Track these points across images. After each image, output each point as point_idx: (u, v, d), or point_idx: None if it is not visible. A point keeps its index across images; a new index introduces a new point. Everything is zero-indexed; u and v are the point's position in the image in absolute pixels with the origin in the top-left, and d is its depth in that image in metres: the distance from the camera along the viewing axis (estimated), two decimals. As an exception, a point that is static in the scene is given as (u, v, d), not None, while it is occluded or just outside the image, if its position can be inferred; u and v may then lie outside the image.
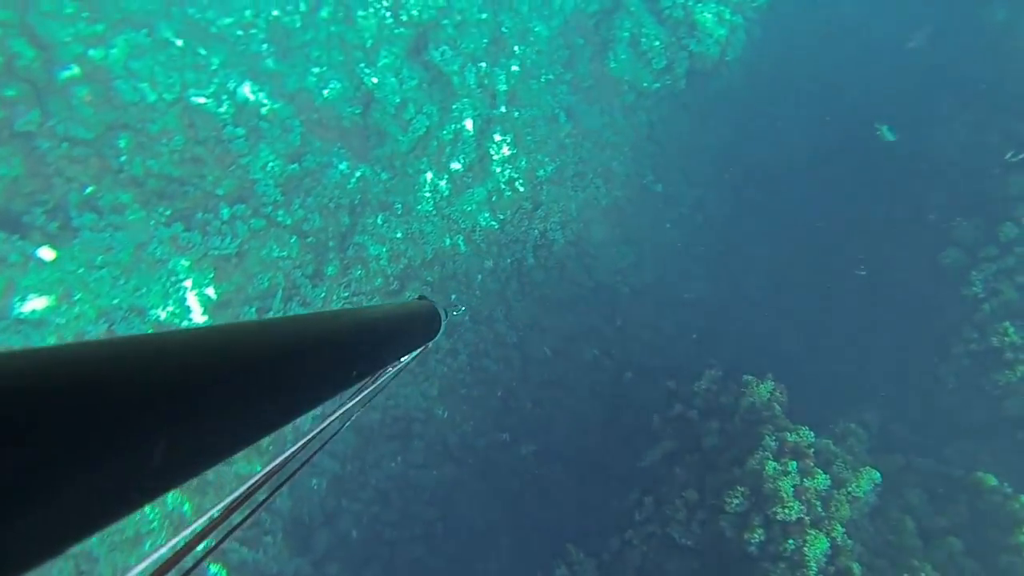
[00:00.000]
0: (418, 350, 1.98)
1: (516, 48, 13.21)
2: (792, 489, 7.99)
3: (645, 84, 14.75)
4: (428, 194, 12.34)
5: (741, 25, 14.21)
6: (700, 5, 13.62)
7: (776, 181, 14.55)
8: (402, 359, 1.82)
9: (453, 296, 12.24)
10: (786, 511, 7.83)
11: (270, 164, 11.02)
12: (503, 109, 12.85)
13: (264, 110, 11.16)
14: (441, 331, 2.24)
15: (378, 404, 11.96)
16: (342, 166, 11.77)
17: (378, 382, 1.61)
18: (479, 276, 12.61)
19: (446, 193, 12.55)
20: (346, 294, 11.51)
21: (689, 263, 14.54)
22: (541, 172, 13.51)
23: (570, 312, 13.32)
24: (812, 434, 8.80)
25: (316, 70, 11.57)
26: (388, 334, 1.67)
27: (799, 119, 14.50)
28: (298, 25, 11.43)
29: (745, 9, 14.27)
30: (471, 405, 12.33)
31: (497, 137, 12.95)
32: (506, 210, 13.13)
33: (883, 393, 11.66)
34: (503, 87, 12.88)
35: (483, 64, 12.49)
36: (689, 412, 10.49)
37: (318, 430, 1.37)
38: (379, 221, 11.91)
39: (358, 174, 11.93)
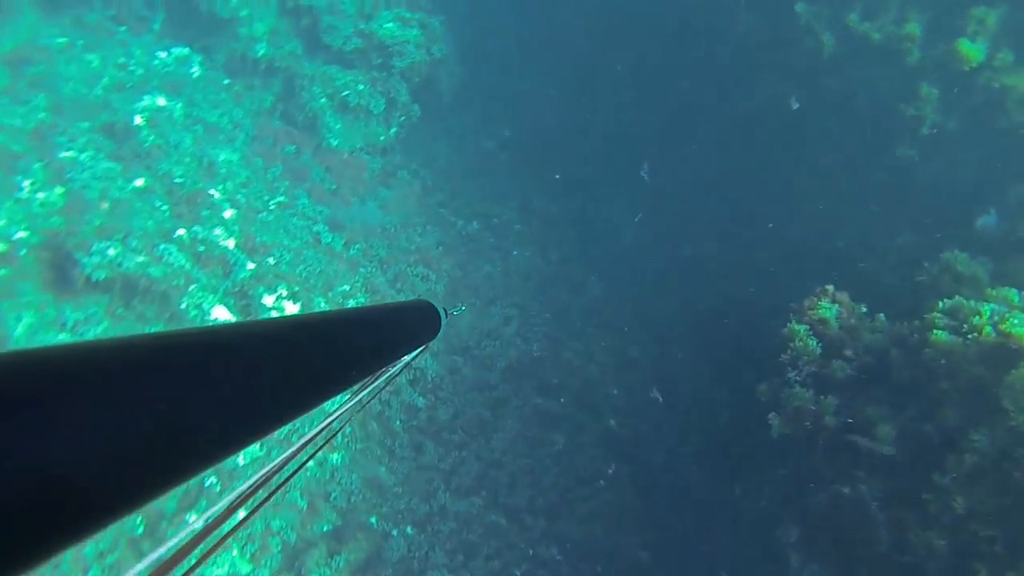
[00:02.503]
0: (418, 350, 1.93)
1: (213, 192, 9.71)
2: None
3: (382, 138, 12.14)
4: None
5: (427, 11, 12.17)
6: (374, 23, 11.27)
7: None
8: (402, 359, 1.77)
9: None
10: None
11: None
12: (250, 266, 9.25)
13: None
14: (442, 331, 2.21)
15: None
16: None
17: (378, 382, 1.57)
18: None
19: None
20: None
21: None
22: (349, 299, 10.17)
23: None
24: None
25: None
26: (388, 334, 1.65)
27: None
28: None
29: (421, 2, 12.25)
30: None
31: (269, 299, 9.32)
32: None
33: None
34: (229, 243, 9.30)
35: (180, 234, 8.77)
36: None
37: (318, 430, 1.31)
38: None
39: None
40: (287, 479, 1.24)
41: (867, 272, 8.68)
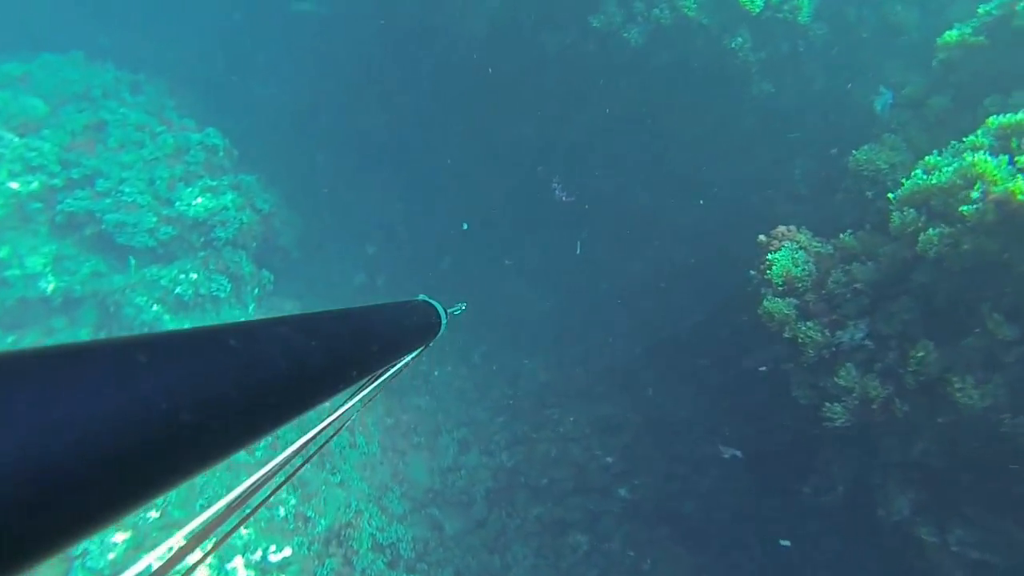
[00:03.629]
0: (418, 350, 1.93)
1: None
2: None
3: (243, 320, 10.54)
4: None
5: (232, 171, 11.03)
6: (178, 204, 9.87)
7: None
8: (402, 359, 1.77)
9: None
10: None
11: None
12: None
13: None
14: (442, 330, 2.18)
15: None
16: None
17: (378, 382, 1.56)
18: None
19: None
20: None
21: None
22: (321, 523, 8.16)
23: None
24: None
25: None
26: (388, 333, 1.63)
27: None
28: None
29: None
30: None
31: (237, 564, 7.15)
32: None
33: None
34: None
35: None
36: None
37: (317, 430, 1.31)
38: None
39: None
40: (287, 479, 1.24)
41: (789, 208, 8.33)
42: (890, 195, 5.48)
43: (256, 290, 10.97)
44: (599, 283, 13.07)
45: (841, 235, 5.91)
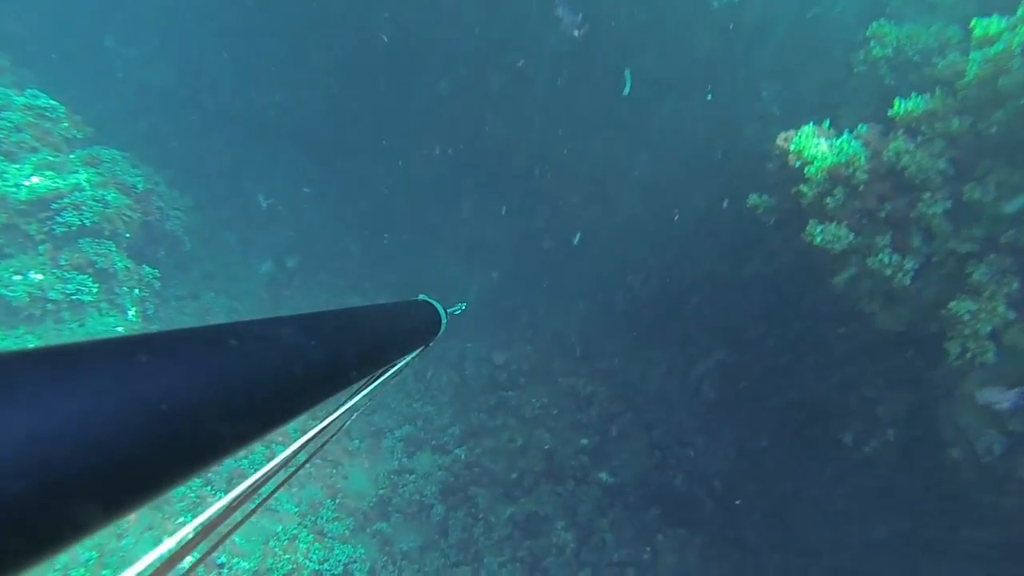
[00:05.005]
0: (418, 349, 1.88)
1: None
2: None
3: (120, 328, 8.62)
4: None
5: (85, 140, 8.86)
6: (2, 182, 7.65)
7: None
8: (402, 359, 1.74)
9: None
10: None
11: None
12: None
13: None
14: (442, 330, 2.15)
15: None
16: None
17: (377, 382, 1.55)
18: None
19: None
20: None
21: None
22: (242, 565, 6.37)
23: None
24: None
25: None
26: (388, 333, 1.63)
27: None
28: None
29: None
30: None
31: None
32: None
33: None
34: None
35: None
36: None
37: (317, 430, 1.28)
38: None
39: None
40: (287, 479, 1.22)
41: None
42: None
43: (136, 290, 8.90)
44: (539, 244, 11.80)
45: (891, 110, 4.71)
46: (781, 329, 6.51)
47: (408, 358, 1.79)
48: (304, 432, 1.22)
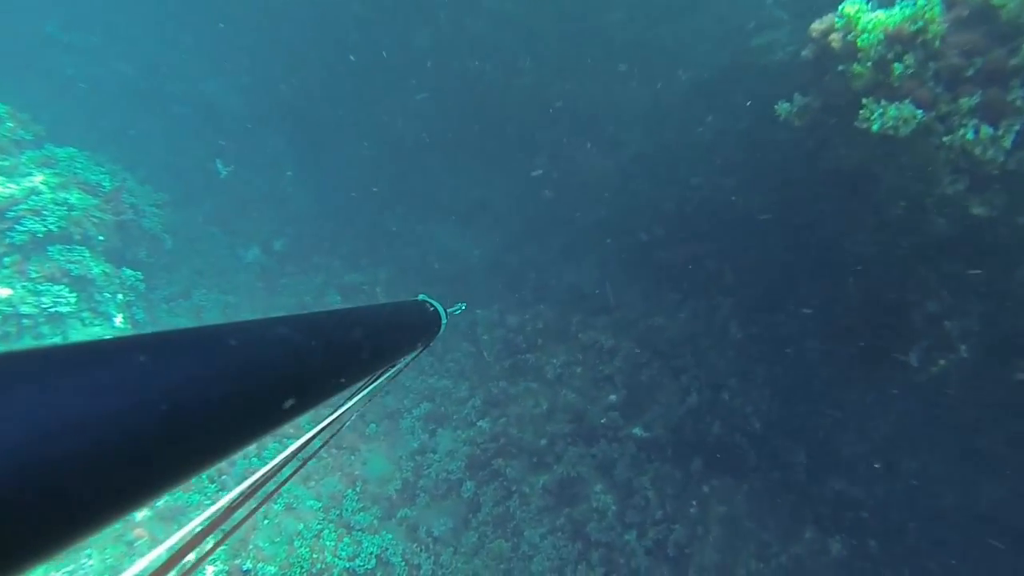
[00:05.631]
0: (418, 350, 1.88)
1: None
2: None
3: (108, 337, 8.03)
4: None
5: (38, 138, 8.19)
6: None
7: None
8: (402, 358, 1.73)
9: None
10: None
11: None
12: None
13: None
14: (442, 330, 2.14)
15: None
16: None
17: (377, 382, 1.53)
18: None
19: None
20: None
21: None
22: (268, 570, 6.04)
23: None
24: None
25: None
26: (388, 334, 1.61)
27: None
28: None
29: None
30: None
31: None
32: None
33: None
34: None
35: None
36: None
37: (317, 430, 1.25)
38: None
39: None
40: (287, 478, 1.20)
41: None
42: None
43: (120, 295, 8.34)
44: (539, 194, 11.12)
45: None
46: (819, 251, 5.90)
47: (408, 358, 1.77)
48: (302, 433, 1.20)
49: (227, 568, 5.94)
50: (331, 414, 1.37)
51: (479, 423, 8.37)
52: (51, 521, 0.52)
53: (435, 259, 12.02)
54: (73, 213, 7.61)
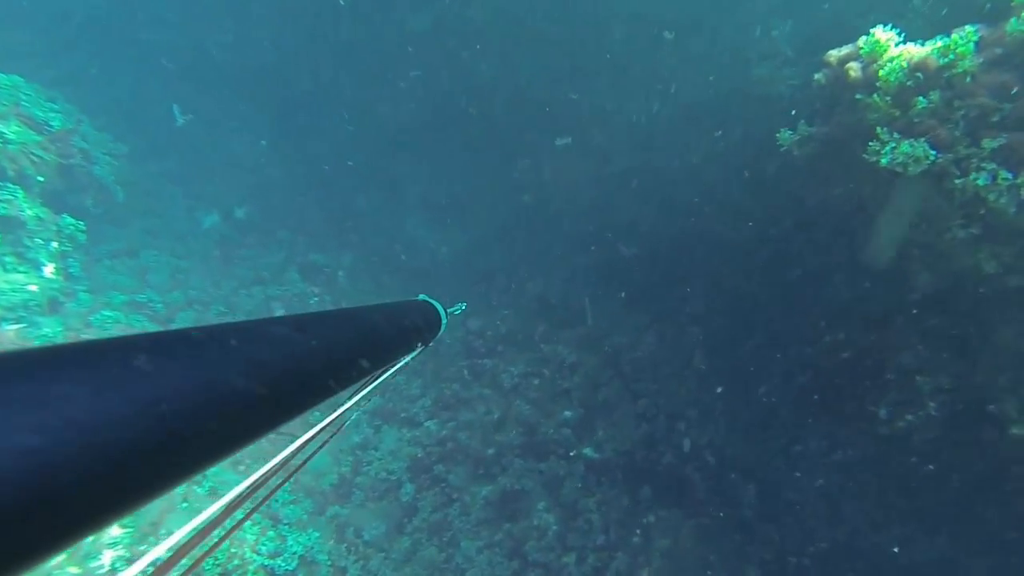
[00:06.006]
0: (418, 350, 1.88)
1: None
2: None
3: (38, 299, 7.47)
4: None
5: None
6: None
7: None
8: (402, 358, 1.73)
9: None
10: None
11: None
12: None
13: None
14: (442, 330, 2.15)
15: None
16: None
17: (377, 382, 1.54)
18: None
19: None
20: None
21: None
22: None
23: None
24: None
25: None
26: (388, 334, 1.61)
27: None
28: None
29: None
30: None
31: None
32: None
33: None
34: None
35: None
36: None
37: (317, 430, 1.25)
38: None
39: None
40: (287, 478, 1.21)
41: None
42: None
43: (54, 243, 7.70)
44: (517, 199, 10.85)
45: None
46: (796, 292, 5.78)
47: (408, 358, 1.75)
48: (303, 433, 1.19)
49: (129, 555, 5.42)
50: (331, 413, 1.37)
51: (427, 423, 8.01)
52: (51, 521, 0.52)
53: (402, 250, 11.62)
54: (8, 147, 6.97)
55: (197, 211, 11.02)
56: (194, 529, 0.90)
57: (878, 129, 3.67)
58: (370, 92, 11.02)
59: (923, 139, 3.60)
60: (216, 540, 0.96)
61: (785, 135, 4.51)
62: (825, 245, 5.01)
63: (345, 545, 6.90)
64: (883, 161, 3.62)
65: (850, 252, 4.79)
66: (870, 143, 3.70)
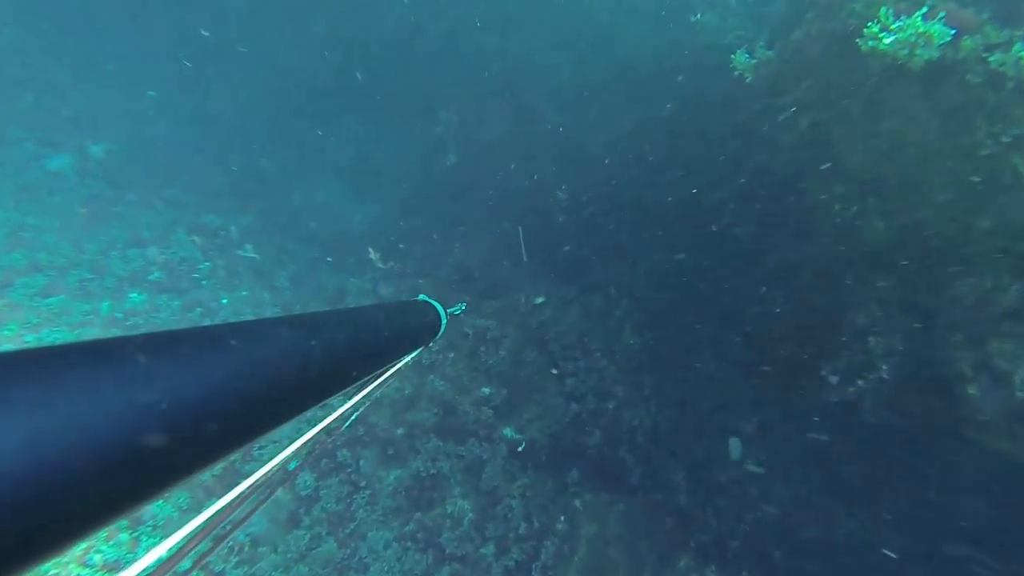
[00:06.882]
0: (418, 350, 1.87)
1: None
2: None
3: None
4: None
5: None
6: None
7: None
8: (402, 358, 1.72)
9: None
10: None
11: None
12: None
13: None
14: (442, 330, 2.14)
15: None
16: None
17: (377, 382, 1.55)
18: None
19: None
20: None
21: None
22: None
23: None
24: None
25: None
26: (388, 334, 1.59)
27: None
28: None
29: None
30: None
31: None
32: None
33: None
34: None
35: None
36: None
37: (317, 430, 1.28)
38: None
39: None
40: (286, 479, 1.20)
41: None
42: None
43: None
44: (441, 158, 9.98)
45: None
46: (739, 254, 5.32)
47: (408, 358, 1.74)
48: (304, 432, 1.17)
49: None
50: (331, 413, 1.33)
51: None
52: (51, 521, 0.51)
53: (311, 216, 10.47)
54: None
55: (46, 157, 9.37)
56: (195, 528, 0.88)
57: (881, 9, 3.10)
58: (284, 40, 9.77)
59: (938, 17, 3.04)
60: (216, 541, 0.93)
61: (741, 57, 3.96)
62: (774, 203, 4.53)
63: (226, 543, 5.88)
64: (883, 44, 3.02)
65: (799, 209, 4.34)
66: (868, 24, 3.10)
